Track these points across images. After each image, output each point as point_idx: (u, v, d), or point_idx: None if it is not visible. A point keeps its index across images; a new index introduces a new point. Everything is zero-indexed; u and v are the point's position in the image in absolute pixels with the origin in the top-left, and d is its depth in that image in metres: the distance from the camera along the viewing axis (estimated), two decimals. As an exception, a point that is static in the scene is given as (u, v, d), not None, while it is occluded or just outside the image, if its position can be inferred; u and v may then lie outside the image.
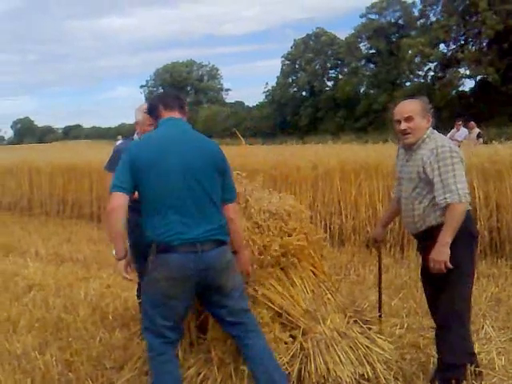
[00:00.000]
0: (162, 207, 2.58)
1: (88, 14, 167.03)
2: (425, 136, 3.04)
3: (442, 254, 2.89)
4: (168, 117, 2.79)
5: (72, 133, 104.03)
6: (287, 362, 2.85)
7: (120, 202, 2.56)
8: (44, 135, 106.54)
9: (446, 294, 3.06)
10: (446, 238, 2.88)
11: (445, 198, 2.89)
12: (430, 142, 3.02)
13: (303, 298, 3.04)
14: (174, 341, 2.73)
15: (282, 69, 54.83)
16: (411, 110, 3.06)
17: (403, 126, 3.07)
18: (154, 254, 2.60)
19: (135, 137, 4.00)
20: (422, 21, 40.41)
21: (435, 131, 3.10)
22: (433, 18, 38.67)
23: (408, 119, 3.04)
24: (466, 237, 2.99)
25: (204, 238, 2.58)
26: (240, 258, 2.83)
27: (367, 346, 2.99)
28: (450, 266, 2.89)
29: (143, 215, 2.66)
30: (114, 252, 2.76)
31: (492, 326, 4.06)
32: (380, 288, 3.76)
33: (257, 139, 31.30)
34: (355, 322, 3.15)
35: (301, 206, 3.29)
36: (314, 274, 3.18)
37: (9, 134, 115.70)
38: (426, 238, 3.07)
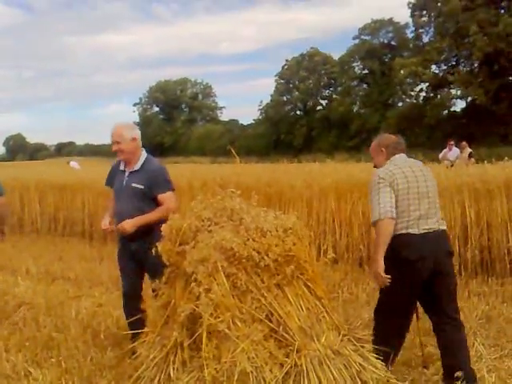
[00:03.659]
0: None
1: (85, 31, 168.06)
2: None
3: (371, 267, 3.51)
4: None
5: (65, 150, 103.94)
6: (281, 379, 2.84)
7: None
8: (36, 152, 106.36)
9: None
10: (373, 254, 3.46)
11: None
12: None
13: (298, 314, 3.04)
14: None
15: (275, 88, 55.31)
16: (371, 148, 3.79)
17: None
18: None
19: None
20: (414, 42, 40.92)
21: (391, 161, 3.57)
22: (425, 39, 39.27)
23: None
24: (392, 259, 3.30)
25: None
26: None
27: (360, 364, 3.00)
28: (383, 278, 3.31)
29: None
30: None
31: (483, 344, 4.09)
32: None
33: (251, 157, 31.41)
34: (349, 340, 3.16)
35: (301, 223, 3.29)
36: (310, 291, 3.19)
37: (1, 150, 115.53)
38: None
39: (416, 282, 3.37)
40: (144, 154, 4.22)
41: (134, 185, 4.08)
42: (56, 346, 4.29)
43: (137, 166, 4.15)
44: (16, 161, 71.16)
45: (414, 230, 3.33)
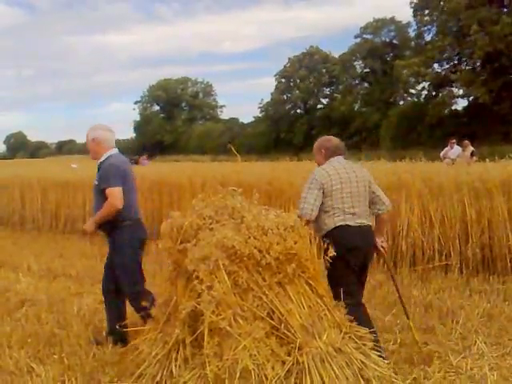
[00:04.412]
0: None
1: (86, 31, 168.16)
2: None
3: None
4: None
5: (65, 148, 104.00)
6: (283, 376, 2.86)
7: None
8: (37, 150, 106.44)
9: None
10: None
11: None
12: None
13: (299, 312, 3.05)
14: None
15: (276, 86, 55.23)
16: (313, 148, 4.11)
17: None
18: None
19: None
20: (416, 41, 40.78)
21: (329, 162, 3.89)
22: (427, 38, 39.15)
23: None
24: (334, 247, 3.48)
25: None
26: None
27: (362, 362, 3.01)
28: None
29: None
30: None
31: (484, 342, 4.10)
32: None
33: (251, 156, 31.40)
34: (350, 337, 3.17)
35: (302, 222, 3.31)
36: (312, 289, 3.19)
37: (1, 148, 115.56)
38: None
39: (354, 265, 3.70)
40: (108, 153, 4.30)
41: (94, 182, 4.28)
42: (58, 342, 4.30)
43: (98, 164, 4.32)
44: (17, 159, 71.14)
45: (350, 223, 3.72)
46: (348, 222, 3.70)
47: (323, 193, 3.70)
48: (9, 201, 12.20)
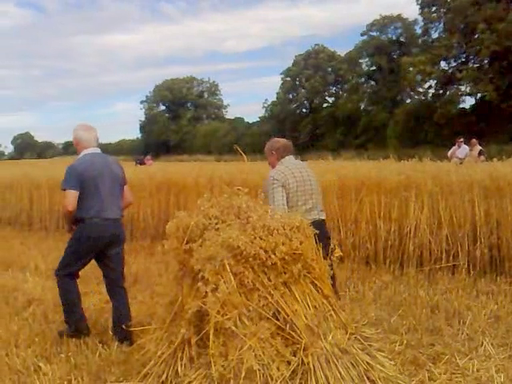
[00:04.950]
0: None
1: (93, 30, 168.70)
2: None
3: None
4: None
5: (72, 148, 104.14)
6: (288, 377, 2.85)
7: None
8: (44, 150, 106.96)
9: None
10: None
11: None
12: None
13: (305, 313, 3.05)
14: None
15: (281, 85, 55.17)
16: (265, 150, 4.35)
17: None
18: None
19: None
20: (423, 38, 40.58)
21: (281, 162, 4.16)
22: (434, 36, 38.96)
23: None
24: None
25: None
26: None
27: (368, 363, 3.00)
28: None
29: None
30: None
31: (491, 344, 4.07)
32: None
33: (256, 155, 31.38)
34: (356, 338, 3.16)
35: (307, 222, 3.31)
36: (318, 289, 3.19)
37: (9, 149, 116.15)
38: None
39: None
40: (83, 153, 4.43)
41: None
42: (65, 341, 4.32)
43: None
44: (24, 159, 71.47)
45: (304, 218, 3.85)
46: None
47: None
48: (17, 201, 12.25)
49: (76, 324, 4.36)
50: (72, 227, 4.42)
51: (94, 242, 4.32)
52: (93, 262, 4.51)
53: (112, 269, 4.50)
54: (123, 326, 4.14)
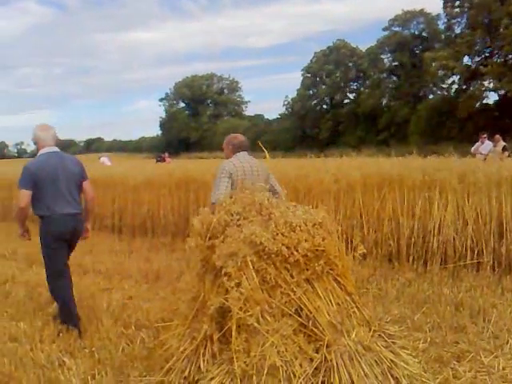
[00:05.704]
0: None
1: (114, 28, 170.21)
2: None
3: None
4: None
5: (94, 145, 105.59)
6: (311, 374, 2.84)
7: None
8: (66, 148, 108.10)
9: None
10: None
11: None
12: None
13: (328, 309, 3.03)
14: None
15: (302, 82, 54.95)
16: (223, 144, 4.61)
17: None
18: None
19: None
20: (446, 34, 40.02)
21: (235, 156, 4.42)
22: (457, 31, 38.39)
23: None
24: None
25: None
26: None
27: (392, 361, 2.97)
28: None
29: None
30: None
31: (518, 342, 4.00)
32: None
33: (276, 152, 31.33)
34: (379, 335, 3.13)
35: (330, 218, 3.29)
36: (341, 286, 3.17)
37: (32, 146, 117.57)
38: None
39: None
40: (40, 152, 4.66)
41: None
42: (89, 336, 4.37)
43: None
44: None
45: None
46: None
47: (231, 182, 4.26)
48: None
49: (70, 322, 4.54)
50: (24, 232, 4.80)
51: (59, 236, 4.59)
52: (116, 258, 4.55)
53: (68, 257, 4.86)
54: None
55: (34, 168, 4.49)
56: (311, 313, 2.99)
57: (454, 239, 6.25)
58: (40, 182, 4.45)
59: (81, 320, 4.62)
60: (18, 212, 4.59)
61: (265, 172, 4.49)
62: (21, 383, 3.61)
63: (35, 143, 4.75)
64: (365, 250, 3.34)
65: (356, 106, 48.81)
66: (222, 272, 3.06)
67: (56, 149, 4.70)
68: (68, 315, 4.57)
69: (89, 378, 3.62)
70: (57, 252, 4.63)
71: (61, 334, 4.44)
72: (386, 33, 46.81)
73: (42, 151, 4.64)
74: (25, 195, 4.44)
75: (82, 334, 4.46)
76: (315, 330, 2.97)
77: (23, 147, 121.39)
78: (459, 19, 37.99)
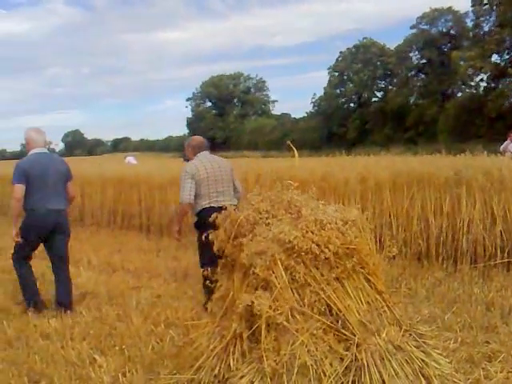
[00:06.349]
0: None
1: (141, 28, 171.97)
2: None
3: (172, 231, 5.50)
4: None
5: (121, 145, 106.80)
6: (341, 373, 2.82)
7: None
8: (93, 148, 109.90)
9: None
10: None
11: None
12: None
13: (358, 308, 3.00)
14: None
15: (329, 80, 54.65)
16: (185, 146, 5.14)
17: None
18: None
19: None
20: (474, 32, 39.31)
21: (197, 157, 4.91)
22: (486, 29, 37.67)
23: None
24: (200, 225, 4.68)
25: None
26: None
27: (423, 360, 2.93)
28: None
29: None
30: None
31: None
32: None
33: (303, 151, 31.21)
34: (410, 335, 3.09)
35: (363, 216, 3.27)
36: (371, 285, 3.14)
37: (60, 146, 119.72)
38: None
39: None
40: (30, 152, 5.13)
41: None
42: (119, 334, 4.42)
43: None
44: (74, 156, 73.61)
45: (214, 205, 4.68)
46: (212, 204, 4.71)
47: (195, 182, 4.68)
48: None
49: (32, 298, 5.11)
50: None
51: (40, 230, 5.05)
52: (145, 256, 4.61)
53: (54, 254, 5.22)
54: (62, 301, 5.07)
55: (26, 166, 5.00)
56: (341, 312, 2.97)
57: (483, 238, 6.14)
58: (31, 178, 4.92)
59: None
60: (15, 205, 4.96)
61: (228, 167, 4.90)
62: (52, 380, 3.67)
63: (27, 143, 5.18)
64: (396, 251, 3.29)
65: (384, 105, 48.34)
66: (251, 271, 3.06)
67: (46, 150, 5.27)
68: (34, 294, 5.16)
69: (119, 375, 3.65)
70: (30, 242, 5.09)
71: (91, 332, 4.50)
72: (414, 31, 46.29)
73: (32, 151, 5.12)
74: (19, 189, 4.92)
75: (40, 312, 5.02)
76: (345, 329, 2.95)
77: (52, 147, 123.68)
78: (488, 17, 37.29)
